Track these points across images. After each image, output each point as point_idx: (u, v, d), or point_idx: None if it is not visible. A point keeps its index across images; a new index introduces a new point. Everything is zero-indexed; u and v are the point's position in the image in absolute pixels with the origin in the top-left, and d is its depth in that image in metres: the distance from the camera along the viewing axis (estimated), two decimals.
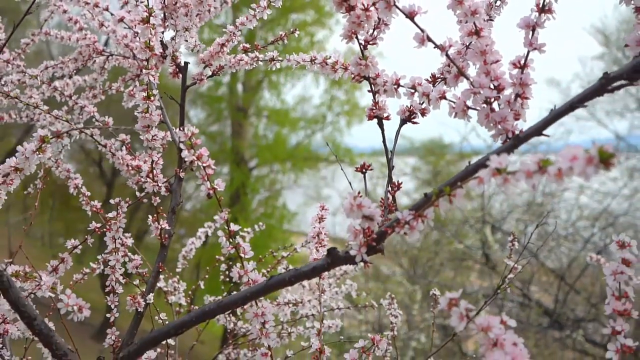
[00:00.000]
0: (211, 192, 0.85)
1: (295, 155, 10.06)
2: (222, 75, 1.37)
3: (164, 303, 1.70)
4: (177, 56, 1.30)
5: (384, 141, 0.90)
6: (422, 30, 0.78)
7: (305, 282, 1.76)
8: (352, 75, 0.89)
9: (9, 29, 1.65)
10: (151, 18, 1.09)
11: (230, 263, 1.88)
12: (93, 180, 10.07)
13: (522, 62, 0.76)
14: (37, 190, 1.47)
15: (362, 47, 0.86)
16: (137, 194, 1.21)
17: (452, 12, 0.78)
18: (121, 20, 1.27)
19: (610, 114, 7.85)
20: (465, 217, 6.85)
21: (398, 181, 0.86)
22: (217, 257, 1.87)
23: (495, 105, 0.77)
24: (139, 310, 1.13)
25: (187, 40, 1.28)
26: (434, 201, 0.62)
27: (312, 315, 1.64)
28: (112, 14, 1.35)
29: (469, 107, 0.80)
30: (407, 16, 0.78)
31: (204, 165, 0.84)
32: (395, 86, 0.89)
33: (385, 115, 0.91)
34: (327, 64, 1.09)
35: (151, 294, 1.17)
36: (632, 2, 0.72)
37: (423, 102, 0.88)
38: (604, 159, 0.45)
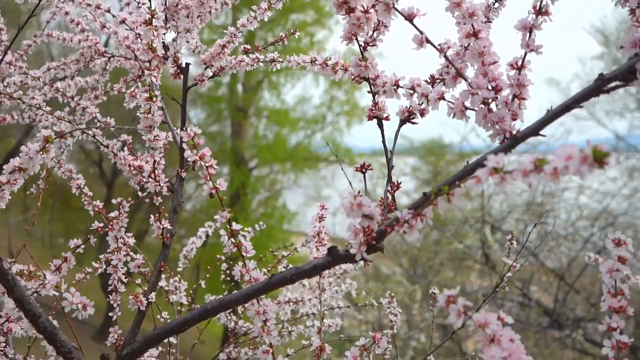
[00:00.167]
0: (213, 191, 0.86)
1: (295, 155, 10.05)
2: (222, 76, 1.38)
3: (164, 302, 1.71)
4: (179, 57, 1.31)
5: (383, 141, 0.91)
6: (421, 32, 0.79)
7: (305, 281, 1.77)
8: (352, 76, 0.90)
9: (9, 30, 1.66)
10: (153, 20, 1.10)
11: (231, 262, 1.89)
12: (93, 181, 10.05)
13: (520, 63, 0.77)
14: (40, 191, 1.48)
15: (362, 48, 0.87)
16: (139, 193, 1.22)
17: (450, 14, 0.79)
18: (123, 22, 1.29)
19: (609, 113, 7.88)
20: (465, 217, 6.86)
21: (397, 181, 0.87)
22: (217, 256, 1.89)
23: (493, 105, 0.78)
24: (141, 309, 1.14)
25: (188, 42, 1.29)
26: (432, 200, 0.63)
27: (313, 314, 1.66)
28: (113, 16, 1.36)
29: (467, 108, 0.81)
30: (406, 18, 0.79)
31: (207, 165, 0.85)
32: (395, 87, 0.90)
33: (384, 115, 0.92)
34: (327, 65, 1.10)
35: (153, 292, 1.18)
36: (628, 3, 0.73)
37: (422, 103, 0.89)
38: (598, 158, 0.46)
